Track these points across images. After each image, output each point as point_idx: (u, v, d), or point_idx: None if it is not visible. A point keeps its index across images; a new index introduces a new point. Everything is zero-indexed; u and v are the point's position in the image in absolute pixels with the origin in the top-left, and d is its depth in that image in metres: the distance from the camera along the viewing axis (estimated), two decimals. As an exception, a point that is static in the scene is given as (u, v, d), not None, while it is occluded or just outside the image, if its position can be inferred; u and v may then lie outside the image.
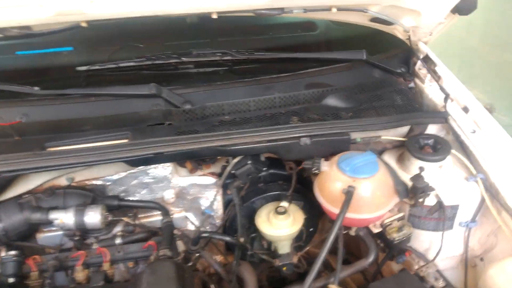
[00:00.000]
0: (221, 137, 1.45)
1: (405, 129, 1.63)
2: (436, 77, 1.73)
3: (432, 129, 1.63)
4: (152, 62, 1.63)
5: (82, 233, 1.47)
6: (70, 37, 1.72)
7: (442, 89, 1.67)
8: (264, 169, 1.60)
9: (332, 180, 1.38)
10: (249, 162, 1.52)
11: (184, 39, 1.82)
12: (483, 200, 1.40)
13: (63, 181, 1.56)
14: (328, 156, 1.50)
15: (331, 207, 1.37)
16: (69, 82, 1.61)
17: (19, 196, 1.48)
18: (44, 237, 1.55)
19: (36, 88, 1.54)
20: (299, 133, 1.47)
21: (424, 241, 1.48)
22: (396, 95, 1.73)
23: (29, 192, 1.50)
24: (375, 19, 1.64)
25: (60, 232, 1.49)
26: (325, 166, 1.41)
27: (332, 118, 1.59)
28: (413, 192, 1.35)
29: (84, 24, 1.39)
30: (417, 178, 1.33)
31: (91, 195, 1.50)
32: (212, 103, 1.57)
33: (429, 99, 1.72)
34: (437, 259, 1.43)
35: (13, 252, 1.39)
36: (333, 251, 1.90)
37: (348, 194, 1.28)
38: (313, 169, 1.41)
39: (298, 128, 1.49)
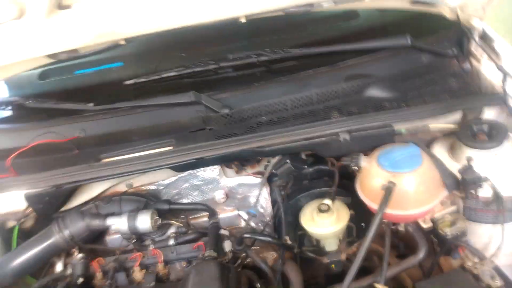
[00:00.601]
0: (257, 139, 1.47)
1: (457, 115, 1.50)
2: (494, 55, 1.57)
3: (490, 113, 1.49)
4: (192, 70, 1.69)
5: (139, 236, 1.58)
6: (120, 53, 1.85)
7: (499, 68, 1.51)
8: (305, 167, 1.58)
9: (371, 176, 1.32)
10: (288, 161, 1.52)
11: (223, 44, 1.85)
12: (548, 190, 1.25)
13: (123, 187, 1.69)
14: (371, 151, 1.44)
15: (373, 204, 1.32)
16: (119, 96, 1.73)
17: (84, 204, 1.64)
18: (111, 239, 1.70)
19: (91, 104, 1.69)
20: (338, 128, 1.43)
21: (483, 235, 1.36)
22: (448, 79, 1.61)
23: (94, 199, 1.65)
24: (416, 2, 1.53)
25: (117, 235, 1.62)
26: (364, 161, 1.36)
27: (374, 110, 1.52)
28: (463, 184, 1.24)
29: (122, 42, 1.49)
30: (465, 169, 1.23)
31: (144, 200, 1.60)
32: (249, 106, 1.59)
33: (487, 80, 1.57)
34: (497, 255, 1.31)
35: (80, 255, 1.55)
36: (392, 246, 1.84)
37: (387, 190, 1.23)
38: (352, 165, 1.37)
39: (336, 124, 1.45)
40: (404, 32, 1.65)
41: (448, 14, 1.60)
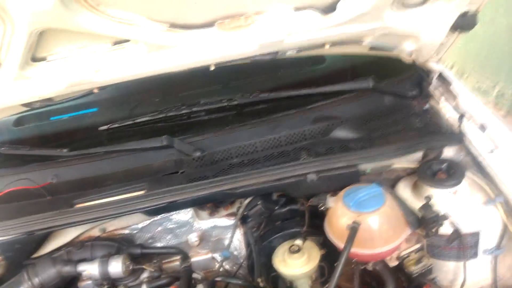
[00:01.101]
0: (228, 181, 1.50)
1: (419, 154, 1.57)
2: (451, 96, 1.67)
3: (449, 152, 1.56)
4: (165, 114, 1.74)
5: (110, 282, 1.56)
6: (94, 99, 1.89)
7: (456, 108, 1.60)
8: (276, 208, 1.61)
9: (338, 216, 1.36)
10: (259, 202, 1.55)
11: (196, 88, 1.91)
12: (505, 225, 1.31)
13: (97, 232, 1.69)
14: (339, 190, 1.48)
15: (340, 243, 1.35)
16: (93, 141, 1.76)
17: (56, 250, 1.62)
18: (84, 285, 1.67)
19: (65, 150, 1.71)
20: (306, 169, 1.48)
21: (448, 272, 1.40)
22: (409, 120, 1.69)
23: (67, 245, 1.64)
24: (374, 48, 1.63)
25: (89, 282, 1.60)
26: (331, 202, 1.40)
27: (341, 151, 1.58)
28: (424, 222, 1.29)
29: (96, 90, 1.54)
30: (425, 208, 1.28)
31: (115, 245, 1.60)
32: (221, 148, 1.64)
33: (446, 119, 1.65)
34: (462, 292, 1.34)
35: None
36: (365, 283, 1.86)
37: (352, 230, 1.26)
38: (319, 205, 1.41)
39: (304, 165, 1.50)
40: (369, 74, 1.74)
41: (406, 58, 1.70)
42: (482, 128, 1.51)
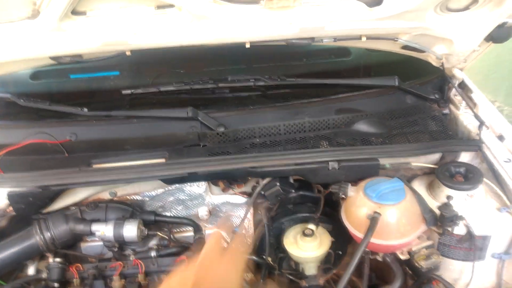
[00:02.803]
0: (251, 159, 1.52)
1: (436, 156, 1.62)
2: (472, 104, 1.72)
3: (465, 157, 1.61)
4: (191, 87, 1.74)
5: (120, 245, 1.57)
6: (117, 62, 1.87)
7: (476, 116, 1.65)
8: (292, 191, 1.64)
9: (358, 206, 1.40)
10: (278, 184, 1.57)
11: (222, 65, 1.92)
12: (517, 232, 1.37)
13: (106, 195, 1.68)
14: (356, 181, 1.52)
15: (357, 232, 1.39)
16: (114, 104, 1.74)
17: (67, 208, 1.62)
18: (87, 246, 1.69)
19: (85, 109, 1.69)
20: (328, 157, 1.51)
21: (454, 270, 1.46)
22: (429, 122, 1.73)
23: (75, 205, 1.63)
24: (406, 47, 1.65)
25: (99, 243, 1.60)
26: (351, 191, 1.43)
27: (362, 144, 1.61)
28: (441, 221, 1.34)
29: (128, 53, 1.52)
30: (445, 207, 1.32)
31: (130, 210, 1.60)
32: (244, 127, 1.65)
33: (464, 126, 1.70)
34: (467, 290, 1.40)
35: (58, 259, 1.53)
36: (361, 274, 1.91)
37: (373, 220, 1.30)
38: (340, 193, 1.44)
39: (326, 153, 1.53)
40: (392, 73, 1.78)
41: (434, 62, 1.73)
42: (501, 138, 1.57)
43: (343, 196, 1.44)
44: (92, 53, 1.53)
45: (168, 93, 1.76)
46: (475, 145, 1.57)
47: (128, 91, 1.76)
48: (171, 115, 1.66)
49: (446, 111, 1.80)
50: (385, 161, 1.55)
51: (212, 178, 1.64)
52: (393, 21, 1.42)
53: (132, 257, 1.58)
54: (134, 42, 1.44)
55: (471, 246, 1.39)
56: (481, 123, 1.61)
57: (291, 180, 1.65)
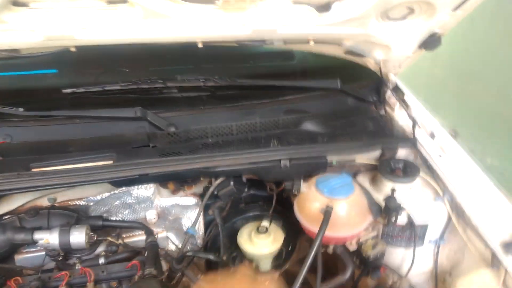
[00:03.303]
0: (204, 159, 1.51)
1: (377, 153, 1.73)
2: (405, 105, 1.87)
3: (402, 153, 1.75)
4: (138, 86, 1.69)
5: (65, 254, 1.47)
6: (55, 60, 1.76)
7: (410, 116, 1.80)
8: (246, 190, 1.66)
9: (311, 201, 1.46)
10: (232, 183, 1.59)
11: (169, 65, 1.89)
12: (449, 219, 1.52)
13: (45, 202, 1.57)
14: (305, 177, 1.58)
15: (311, 226, 1.45)
16: (53, 104, 1.63)
17: (1, 217, 1.48)
18: (23, 258, 1.55)
19: (20, 109, 1.57)
20: (280, 156, 1.55)
21: (397, 257, 1.57)
22: (368, 122, 1.85)
23: (11, 213, 1.50)
24: (349, 52, 1.76)
25: (41, 253, 1.49)
26: (304, 187, 1.49)
27: (309, 142, 1.68)
28: (386, 212, 1.44)
29: (73, 49, 1.44)
30: (389, 199, 1.43)
31: (75, 215, 1.51)
32: (196, 127, 1.64)
33: (399, 125, 1.85)
34: (409, 275, 1.52)
35: (-7, 274, 1.39)
36: (310, 269, 1.98)
37: (326, 213, 1.36)
38: (294, 190, 1.49)
39: (278, 151, 1.57)
40: (333, 76, 1.88)
41: (372, 66, 1.87)
42: (432, 135, 1.73)
43: (296, 192, 1.50)
44: (33, 48, 1.43)
45: (113, 92, 1.69)
46: (411, 142, 1.71)
47: (70, 90, 1.66)
48: (118, 115, 1.60)
49: (382, 112, 1.94)
50: (332, 159, 1.63)
51: (164, 180, 1.60)
52: (339, 27, 1.51)
53: (78, 266, 1.48)
54: (81, 37, 1.37)
55: (411, 234, 1.52)
56: (414, 122, 1.77)
57: (244, 180, 1.67)
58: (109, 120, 1.61)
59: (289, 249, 1.82)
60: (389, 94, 1.95)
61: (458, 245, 1.54)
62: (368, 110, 1.92)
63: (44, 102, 1.67)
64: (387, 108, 1.94)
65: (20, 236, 1.40)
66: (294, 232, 1.77)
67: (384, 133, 1.80)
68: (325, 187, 1.44)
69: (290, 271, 1.81)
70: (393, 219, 1.44)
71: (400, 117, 1.87)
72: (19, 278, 1.41)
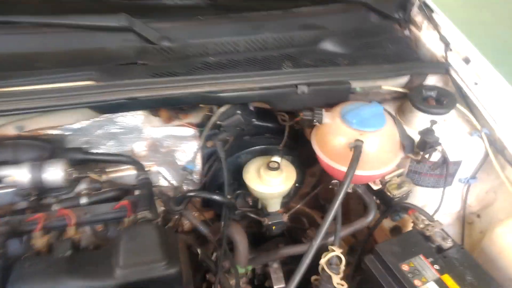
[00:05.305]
0: (206, 82, 1.24)
1: (404, 79, 1.50)
2: (434, 25, 1.61)
3: (431, 81, 1.52)
4: (121, -13, 1.34)
5: (39, 192, 1.22)
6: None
7: (442, 37, 1.55)
8: (254, 120, 1.42)
9: (335, 134, 1.23)
10: (239, 112, 1.33)
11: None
12: (486, 156, 1.34)
13: (10, 130, 1.28)
14: (324, 107, 1.34)
15: (334, 164, 1.24)
16: (16, 8, 1.28)
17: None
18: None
19: (-29, 12, 1.22)
20: (296, 80, 1.30)
21: (421, 198, 1.41)
22: (394, 43, 1.59)
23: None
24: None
25: (9, 190, 1.23)
26: (327, 117, 1.26)
27: (329, 65, 1.43)
28: (421, 146, 1.24)
29: None
30: (427, 132, 1.22)
31: (49, 147, 1.24)
32: (195, 41, 1.34)
33: (426, 48, 1.60)
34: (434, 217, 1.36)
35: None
36: (315, 207, 1.82)
37: (356, 149, 1.15)
38: (314, 121, 1.26)
39: (294, 75, 1.32)
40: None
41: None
42: (467, 60, 1.50)
43: (317, 123, 1.26)
44: None
45: (90, -3, 1.35)
46: (443, 67, 1.48)
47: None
48: (98, 23, 1.28)
49: (406, 32, 1.68)
50: (355, 85, 1.39)
51: (156, 106, 1.33)
52: None
53: (56, 207, 1.25)
54: None
55: (442, 172, 1.34)
56: (447, 45, 1.52)
57: (251, 108, 1.42)
58: (88, 29, 1.28)
59: (297, 185, 1.63)
60: (415, 12, 1.68)
61: (492, 184, 1.38)
62: (393, 30, 1.65)
63: (4, 4, 1.31)
64: (412, 28, 1.67)
65: (-20, 172, 1.13)
66: (303, 167, 1.58)
67: (411, 57, 1.55)
68: (353, 118, 1.21)
69: (296, 209, 1.65)
70: (427, 155, 1.25)
71: (428, 38, 1.61)
72: (-16, 221, 1.17)
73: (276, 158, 1.36)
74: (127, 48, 1.29)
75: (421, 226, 1.20)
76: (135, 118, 1.40)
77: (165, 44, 1.31)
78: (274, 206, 1.42)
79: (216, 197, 1.33)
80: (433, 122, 1.23)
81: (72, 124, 1.34)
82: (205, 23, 1.37)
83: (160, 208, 1.34)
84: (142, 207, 1.20)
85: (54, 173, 1.17)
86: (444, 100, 1.36)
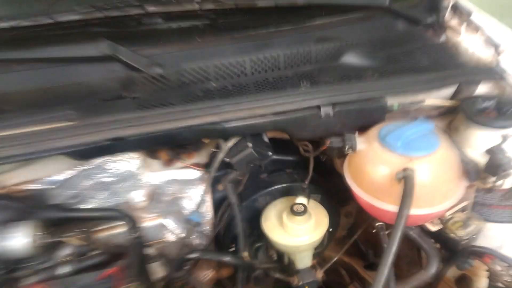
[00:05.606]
0: (208, 112, 1.01)
1: (449, 91, 1.24)
2: (473, 27, 1.36)
3: (481, 90, 1.25)
4: (105, 14, 1.15)
5: (6, 264, 0.98)
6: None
7: (489, 39, 1.30)
8: (270, 153, 1.16)
9: (375, 162, 0.96)
10: (250, 145, 1.08)
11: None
12: None
13: (-18, 188, 1.07)
14: (354, 131, 1.08)
15: (376, 201, 0.95)
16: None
17: None
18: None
19: None
20: (318, 100, 1.06)
21: (494, 237, 1.09)
22: (429, 52, 1.35)
23: None
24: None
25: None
26: (361, 142, 0.99)
27: (356, 81, 1.18)
28: (491, 170, 0.95)
29: None
30: (498, 151, 0.93)
31: (17, 207, 1.01)
32: (192, 65, 1.12)
33: (470, 54, 1.34)
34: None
35: None
36: (354, 253, 1.52)
37: (408, 180, 0.87)
38: (346, 148, 0.99)
39: (315, 95, 1.07)
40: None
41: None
42: (521, 63, 1.23)
43: (350, 150, 1.00)
44: None
45: (71, 25, 1.16)
46: (496, 73, 1.21)
47: (5, 24, 1.12)
48: (77, 53, 1.08)
49: (443, 38, 1.43)
50: (392, 101, 1.13)
51: (150, 145, 1.10)
52: None
53: (31, 279, 1.00)
54: None
55: (520, 202, 1.03)
56: (497, 47, 1.26)
57: (266, 139, 1.17)
58: (63, 62, 1.08)
59: (330, 230, 1.34)
60: (448, 15, 1.44)
61: None
62: (425, 36, 1.41)
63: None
64: (449, 33, 1.43)
65: None
66: (335, 207, 1.30)
67: (454, 64, 1.29)
68: (397, 140, 0.93)
69: (327, 256, 1.36)
70: (500, 182, 0.95)
71: (470, 42, 1.36)
72: None
73: (301, 199, 1.09)
74: (111, 80, 1.08)
75: (507, 279, 0.89)
76: (129, 163, 1.17)
77: (155, 71, 1.09)
78: (305, 260, 1.13)
79: (227, 259, 1.05)
80: (505, 138, 0.94)
81: (53, 176, 1.13)
82: (204, 45, 1.16)
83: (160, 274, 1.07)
84: (131, 275, 0.93)
85: (18, 240, 0.93)
86: (507, 110, 1.08)
